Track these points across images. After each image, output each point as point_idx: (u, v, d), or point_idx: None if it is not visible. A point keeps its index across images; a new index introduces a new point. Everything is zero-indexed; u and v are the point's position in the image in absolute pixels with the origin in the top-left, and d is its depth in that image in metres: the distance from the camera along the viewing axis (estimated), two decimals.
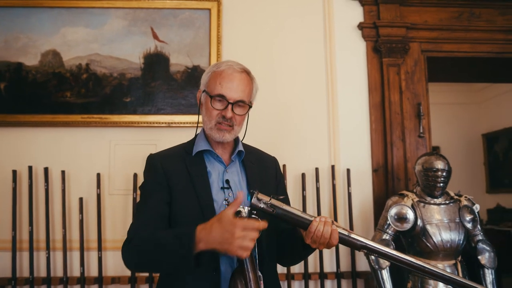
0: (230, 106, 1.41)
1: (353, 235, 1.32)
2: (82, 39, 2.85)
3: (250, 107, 1.48)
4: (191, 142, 1.55)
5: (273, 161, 1.66)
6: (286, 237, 1.50)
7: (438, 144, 6.28)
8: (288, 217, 1.30)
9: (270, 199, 1.28)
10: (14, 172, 2.68)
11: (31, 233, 2.64)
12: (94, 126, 2.80)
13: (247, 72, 1.48)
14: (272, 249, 1.49)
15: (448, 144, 6.33)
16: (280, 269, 2.75)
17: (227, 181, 1.44)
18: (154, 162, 1.48)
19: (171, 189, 1.43)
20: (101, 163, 2.79)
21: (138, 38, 2.88)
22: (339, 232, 1.30)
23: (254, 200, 1.26)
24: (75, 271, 2.69)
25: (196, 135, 1.57)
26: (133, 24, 2.89)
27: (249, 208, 1.26)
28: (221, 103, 1.42)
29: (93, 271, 2.69)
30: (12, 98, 2.77)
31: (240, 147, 1.54)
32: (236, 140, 1.57)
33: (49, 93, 2.79)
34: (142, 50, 2.88)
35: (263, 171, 1.52)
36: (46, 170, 2.70)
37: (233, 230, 1.16)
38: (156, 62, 2.88)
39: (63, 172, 2.70)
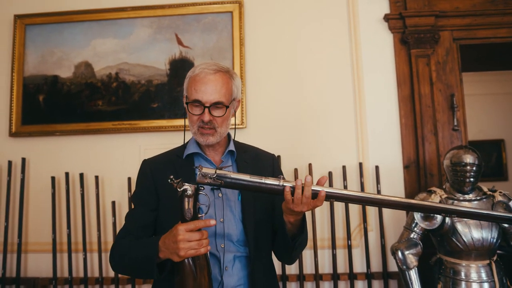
0: (207, 110, 1.40)
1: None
2: (111, 49, 2.98)
3: (227, 107, 1.44)
4: (183, 146, 1.57)
5: (270, 158, 1.64)
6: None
7: (502, 137, 5.84)
8: (239, 184, 1.26)
9: (215, 171, 1.25)
10: (53, 178, 2.84)
11: (69, 236, 2.79)
12: (124, 132, 2.92)
13: (223, 72, 1.44)
14: (262, 248, 1.47)
15: None
16: (310, 270, 2.73)
17: None
18: (145, 167, 1.53)
19: (159, 194, 1.46)
20: (132, 168, 2.88)
21: (163, 45, 2.97)
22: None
23: (199, 177, 1.24)
24: (110, 272, 2.81)
25: (187, 141, 1.59)
26: (158, 32, 2.98)
27: (195, 186, 1.24)
28: (198, 108, 1.42)
29: None
30: (49, 109, 2.96)
31: (231, 147, 1.53)
32: (229, 140, 1.57)
33: (82, 102, 2.95)
34: (167, 57, 2.96)
35: (258, 169, 1.50)
36: (81, 175, 2.84)
37: (176, 236, 1.20)
38: (181, 67, 2.94)
39: (96, 177, 2.83)
